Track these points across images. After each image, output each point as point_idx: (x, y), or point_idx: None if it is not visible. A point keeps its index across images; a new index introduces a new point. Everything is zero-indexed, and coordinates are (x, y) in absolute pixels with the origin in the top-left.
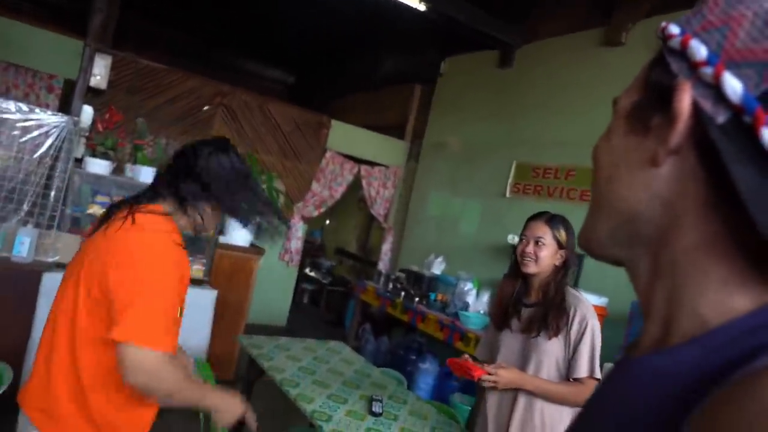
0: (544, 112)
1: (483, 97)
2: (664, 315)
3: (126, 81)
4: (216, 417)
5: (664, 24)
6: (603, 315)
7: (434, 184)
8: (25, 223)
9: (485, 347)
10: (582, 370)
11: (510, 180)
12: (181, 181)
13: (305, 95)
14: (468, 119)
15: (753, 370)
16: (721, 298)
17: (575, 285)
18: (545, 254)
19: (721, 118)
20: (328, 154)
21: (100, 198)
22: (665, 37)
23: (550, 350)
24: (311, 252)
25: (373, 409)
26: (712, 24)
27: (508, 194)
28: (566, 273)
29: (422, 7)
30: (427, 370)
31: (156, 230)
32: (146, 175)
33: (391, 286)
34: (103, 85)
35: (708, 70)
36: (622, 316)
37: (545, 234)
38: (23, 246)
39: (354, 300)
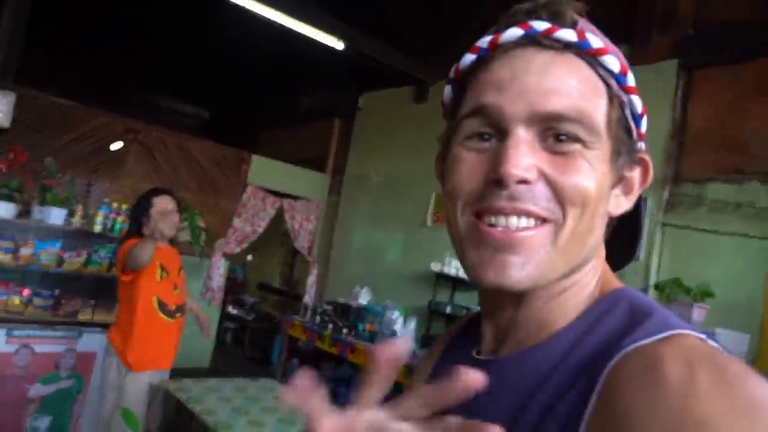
0: None
1: (401, 131)
2: (539, 319)
3: (30, 119)
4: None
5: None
6: None
7: (357, 216)
8: None
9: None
10: None
11: (430, 210)
12: None
13: (221, 131)
14: (388, 153)
15: (637, 349)
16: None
17: None
18: None
19: None
20: (249, 190)
21: (3, 243)
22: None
23: None
24: (233, 289)
25: None
26: None
27: (429, 223)
28: None
29: (340, 46)
30: None
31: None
32: (57, 216)
33: (318, 319)
34: (6, 124)
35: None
36: None
37: None
38: None
39: (281, 335)
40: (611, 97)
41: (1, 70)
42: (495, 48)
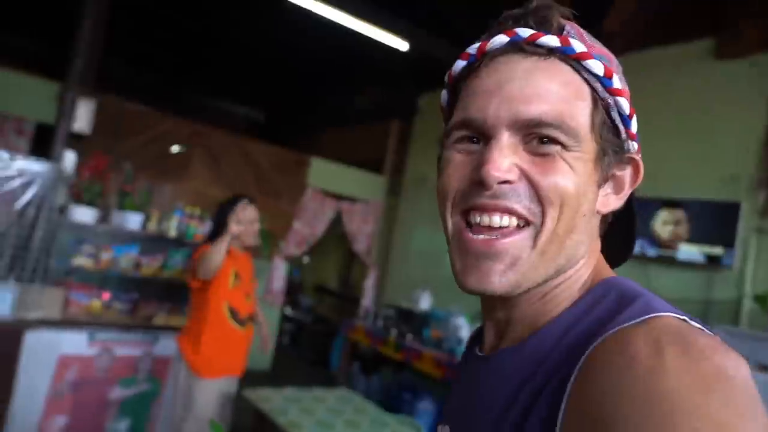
0: None
1: None
2: (533, 314)
3: (108, 125)
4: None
5: None
6: None
7: (418, 218)
8: (4, 278)
9: None
10: None
11: None
12: None
13: (277, 132)
14: None
15: (613, 334)
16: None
17: None
18: None
19: None
20: (308, 192)
21: (86, 248)
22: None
23: None
24: (289, 291)
25: None
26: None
27: None
28: None
29: (405, 47)
30: (426, 410)
31: None
32: (134, 221)
33: (381, 323)
34: (87, 130)
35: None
36: None
37: None
38: (4, 303)
39: (340, 339)
40: (596, 99)
41: (83, 78)
42: (483, 55)
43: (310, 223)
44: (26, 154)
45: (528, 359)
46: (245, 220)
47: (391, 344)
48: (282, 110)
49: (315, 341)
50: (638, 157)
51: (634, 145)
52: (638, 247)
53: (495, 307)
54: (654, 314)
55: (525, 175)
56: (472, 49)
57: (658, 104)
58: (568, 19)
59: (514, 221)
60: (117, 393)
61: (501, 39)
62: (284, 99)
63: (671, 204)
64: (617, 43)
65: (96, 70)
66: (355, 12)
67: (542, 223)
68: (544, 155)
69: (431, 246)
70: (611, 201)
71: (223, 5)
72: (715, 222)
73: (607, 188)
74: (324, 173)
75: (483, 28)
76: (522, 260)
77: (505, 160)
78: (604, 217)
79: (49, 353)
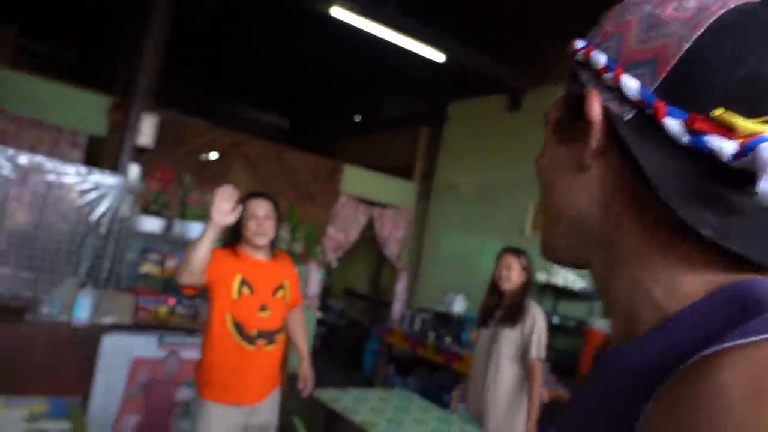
0: None
1: (494, 140)
2: (625, 308)
3: (168, 139)
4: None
5: (573, 41)
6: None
7: (448, 223)
8: (83, 285)
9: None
10: (533, 351)
11: (529, 218)
12: None
13: (303, 139)
14: (480, 161)
15: (697, 361)
16: (674, 286)
17: (603, 316)
18: (515, 275)
19: (627, 115)
20: (342, 199)
21: (152, 255)
22: (574, 52)
23: (511, 337)
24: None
25: None
26: (609, 33)
27: (527, 232)
28: (528, 287)
29: (441, 58)
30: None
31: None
32: (196, 230)
33: (418, 326)
34: (151, 144)
35: (609, 75)
36: None
37: (514, 262)
38: (83, 309)
39: (373, 341)
40: None
41: (147, 94)
42: None
43: (344, 228)
44: (79, 166)
45: (629, 370)
46: (254, 214)
47: (431, 347)
48: (307, 117)
49: (347, 344)
50: None
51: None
52: None
53: None
54: None
55: None
56: None
57: None
58: None
59: None
60: (183, 394)
61: None
62: (310, 106)
63: None
64: None
65: (158, 87)
66: (396, 26)
67: None
68: None
69: (462, 251)
70: None
71: (261, 20)
72: None
73: None
74: (357, 180)
75: (513, 37)
76: None
77: None
78: None
79: (123, 356)
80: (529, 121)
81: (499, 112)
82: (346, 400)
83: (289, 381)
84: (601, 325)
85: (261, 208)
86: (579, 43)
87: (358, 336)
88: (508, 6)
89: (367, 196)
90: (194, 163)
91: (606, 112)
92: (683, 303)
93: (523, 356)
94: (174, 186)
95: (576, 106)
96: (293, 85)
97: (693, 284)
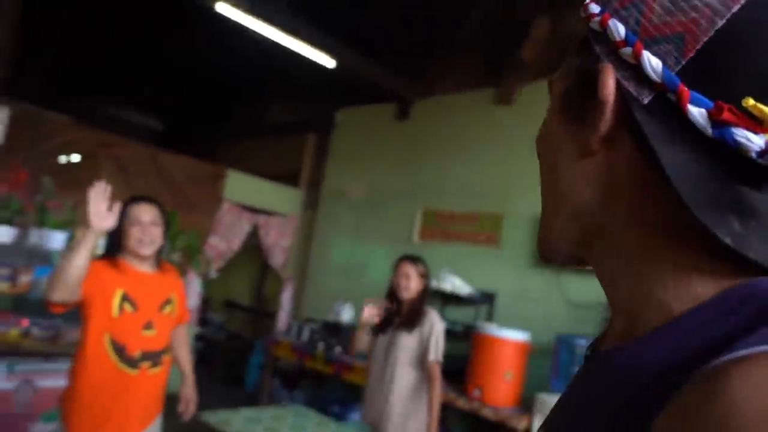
0: (446, 163)
1: (383, 148)
2: (629, 307)
3: (23, 134)
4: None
5: (587, 2)
6: (527, 349)
7: (336, 231)
8: None
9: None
10: (431, 354)
11: (417, 226)
12: None
13: (178, 142)
14: (369, 168)
15: (710, 370)
16: (682, 286)
17: (489, 320)
18: (414, 284)
19: (645, 98)
20: (225, 206)
21: (1, 270)
22: (588, 17)
23: (408, 342)
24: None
25: None
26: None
27: (416, 239)
28: (426, 293)
29: (332, 64)
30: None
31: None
32: (58, 240)
33: (306, 337)
34: (0, 140)
35: (627, 50)
36: (546, 348)
37: (411, 270)
38: None
39: (263, 355)
40: None
41: None
42: None
43: (226, 237)
44: None
45: (629, 372)
46: (138, 220)
47: (320, 358)
48: (185, 119)
49: (227, 359)
50: None
51: None
52: None
53: None
54: None
55: None
56: None
57: None
58: None
59: None
60: (40, 429)
61: None
62: (189, 108)
63: None
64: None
65: (7, 74)
66: (286, 27)
67: None
68: None
69: (351, 258)
70: None
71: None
72: None
73: None
74: (241, 186)
75: (405, 46)
76: None
77: None
78: None
79: None
80: (417, 130)
81: (388, 120)
82: (237, 422)
83: (167, 401)
84: (487, 328)
85: (146, 213)
86: (594, 7)
87: (239, 349)
88: (400, 16)
89: (252, 203)
90: (55, 165)
91: (620, 92)
92: (691, 303)
93: (422, 360)
94: (29, 189)
95: (585, 81)
96: (172, 84)
97: (703, 286)
